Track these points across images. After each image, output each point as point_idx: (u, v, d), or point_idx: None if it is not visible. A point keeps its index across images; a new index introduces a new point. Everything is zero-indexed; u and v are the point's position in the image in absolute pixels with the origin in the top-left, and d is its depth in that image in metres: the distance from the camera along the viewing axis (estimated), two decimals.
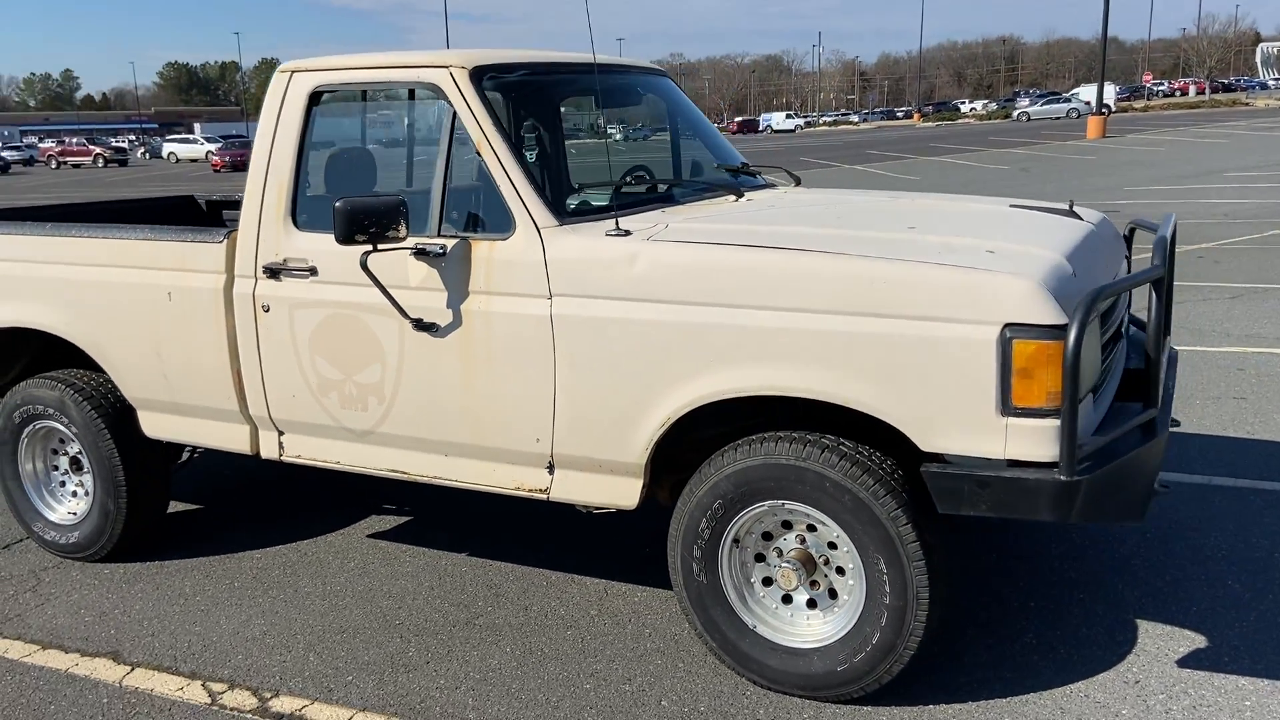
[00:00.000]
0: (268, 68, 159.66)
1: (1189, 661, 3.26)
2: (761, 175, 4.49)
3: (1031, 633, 3.49)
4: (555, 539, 4.37)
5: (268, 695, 3.26)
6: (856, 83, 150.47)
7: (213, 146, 52.55)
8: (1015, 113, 65.55)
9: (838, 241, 3.03)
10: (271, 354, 3.69)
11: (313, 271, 3.56)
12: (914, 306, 2.78)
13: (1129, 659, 3.30)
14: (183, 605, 3.92)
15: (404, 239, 3.24)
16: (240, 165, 45.95)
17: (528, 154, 3.61)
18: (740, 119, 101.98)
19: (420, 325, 3.39)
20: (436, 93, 3.44)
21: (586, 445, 3.25)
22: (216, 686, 3.32)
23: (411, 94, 3.61)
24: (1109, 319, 3.21)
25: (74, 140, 61.84)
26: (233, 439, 3.94)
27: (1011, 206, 3.61)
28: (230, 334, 3.76)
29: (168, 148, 60.85)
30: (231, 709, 3.19)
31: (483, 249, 3.31)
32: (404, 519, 4.69)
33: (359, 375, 3.55)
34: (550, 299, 3.21)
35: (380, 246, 3.24)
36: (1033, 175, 22.97)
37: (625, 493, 3.28)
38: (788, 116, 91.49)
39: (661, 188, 3.96)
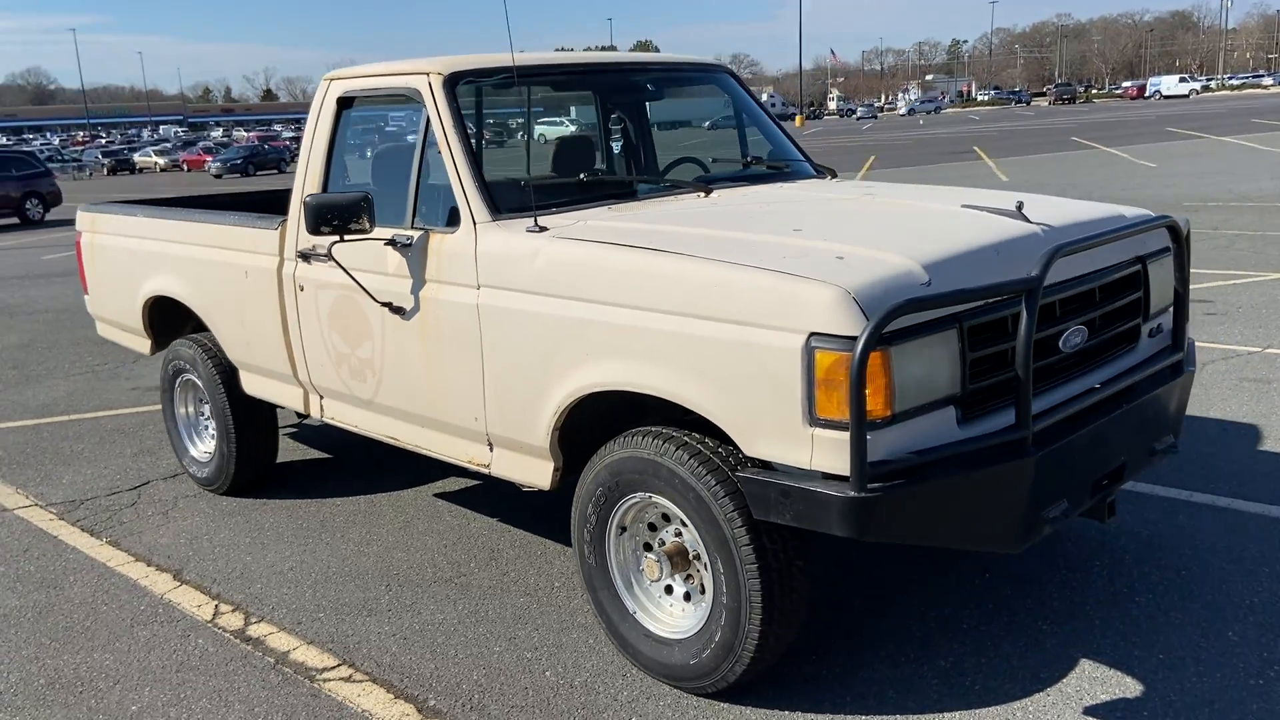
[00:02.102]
0: (642, 50, 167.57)
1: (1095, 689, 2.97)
2: (794, 167, 4.47)
3: (944, 658, 3.30)
4: None
5: (253, 621, 3.82)
6: None
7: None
8: None
9: (702, 244, 3.04)
10: (307, 327, 4.24)
11: (329, 256, 4.05)
12: (737, 311, 2.77)
13: (1033, 697, 3.05)
14: (251, 539, 4.60)
15: (369, 230, 3.63)
16: None
17: (504, 150, 3.88)
18: (1131, 84, 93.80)
19: (392, 309, 3.77)
20: (417, 97, 3.79)
21: (507, 427, 3.49)
22: (223, 607, 3.94)
23: (408, 98, 3.98)
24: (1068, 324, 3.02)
25: None
26: (294, 399, 4.56)
27: (963, 207, 3.37)
28: (282, 308, 4.35)
29: (538, 129, 65.79)
30: (219, 628, 3.78)
31: (435, 241, 3.63)
32: (474, 483, 5.13)
33: (358, 350, 4.01)
34: (478, 289, 3.48)
35: (346, 237, 3.65)
36: None
37: (540, 474, 3.49)
38: (1181, 80, 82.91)
39: (675, 179, 4.07)
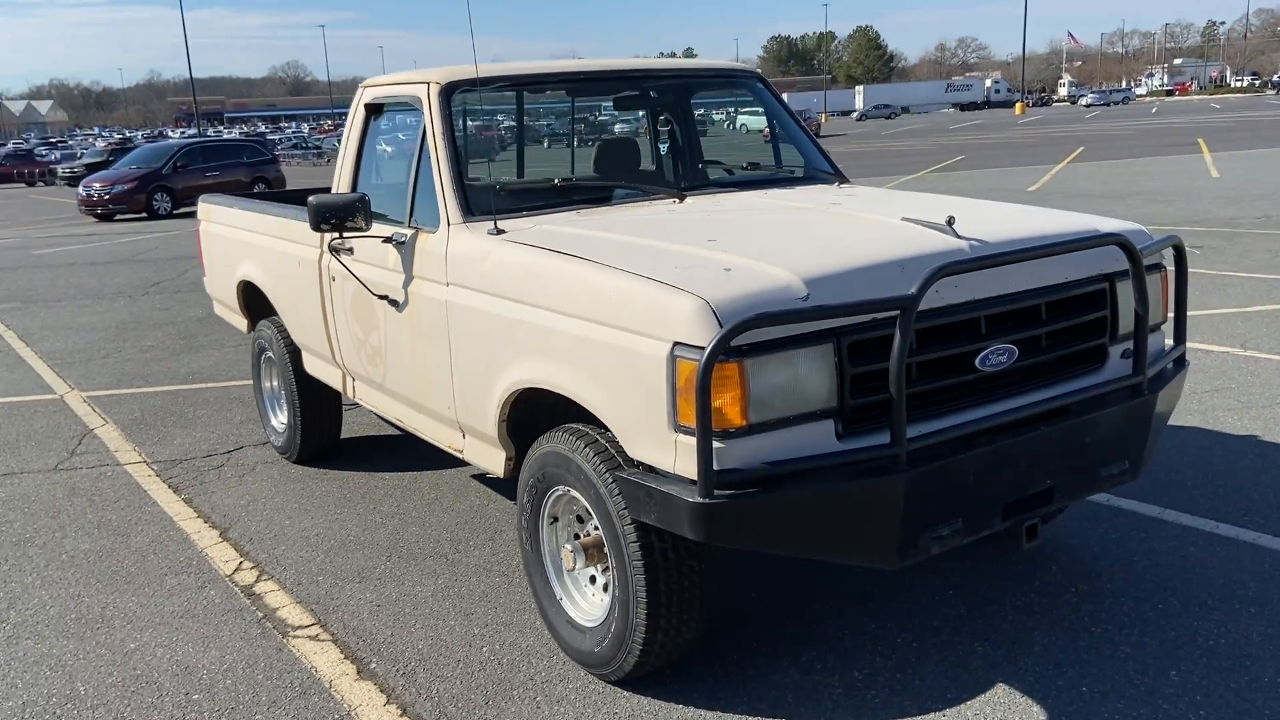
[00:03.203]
0: (862, 36, 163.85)
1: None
2: (808, 172, 4.49)
3: (862, 670, 3.30)
4: None
5: (262, 579, 4.23)
6: None
7: (761, 121, 55.77)
8: None
9: (621, 252, 3.16)
10: (338, 314, 4.62)
11: (350, 251, 4.40)
12: (624, 318, 2.89)
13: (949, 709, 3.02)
14: (297, 505, 5.05)
15: (364, 229, 3.94)
16: None
17: (500, 155, 4.10)
18: None
19: (389, 301, 4.08)
20: (418, 105, 4.07)
21: (469, 416, 3.73)
22: (245, 565, 4.38)
23: (413, 105, 4.25)
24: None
25: None
26: (336, 380, 4.97)
27: (903, 220, 3.31)
28: (322, 296, 4.75)
29: (740, 119, 65.85)
30: (233, 582, 4.21)
31: (421, 240, 3.90)
32: None
33: (370, 338, 4.35)
34: (448, 286, 3.72)
35: (345, 235, 3.98)
36: None
37: (495, 462, 3.71)
38: None
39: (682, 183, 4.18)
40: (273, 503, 5.09)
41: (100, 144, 53.49)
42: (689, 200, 3.99)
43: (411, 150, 4.13)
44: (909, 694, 3.16)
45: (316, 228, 3.92)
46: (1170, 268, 3.54)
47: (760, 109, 4.98)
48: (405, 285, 3.98)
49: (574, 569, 3.35)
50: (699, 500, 2.65)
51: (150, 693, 3.38)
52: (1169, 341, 3.65)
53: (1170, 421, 5.42)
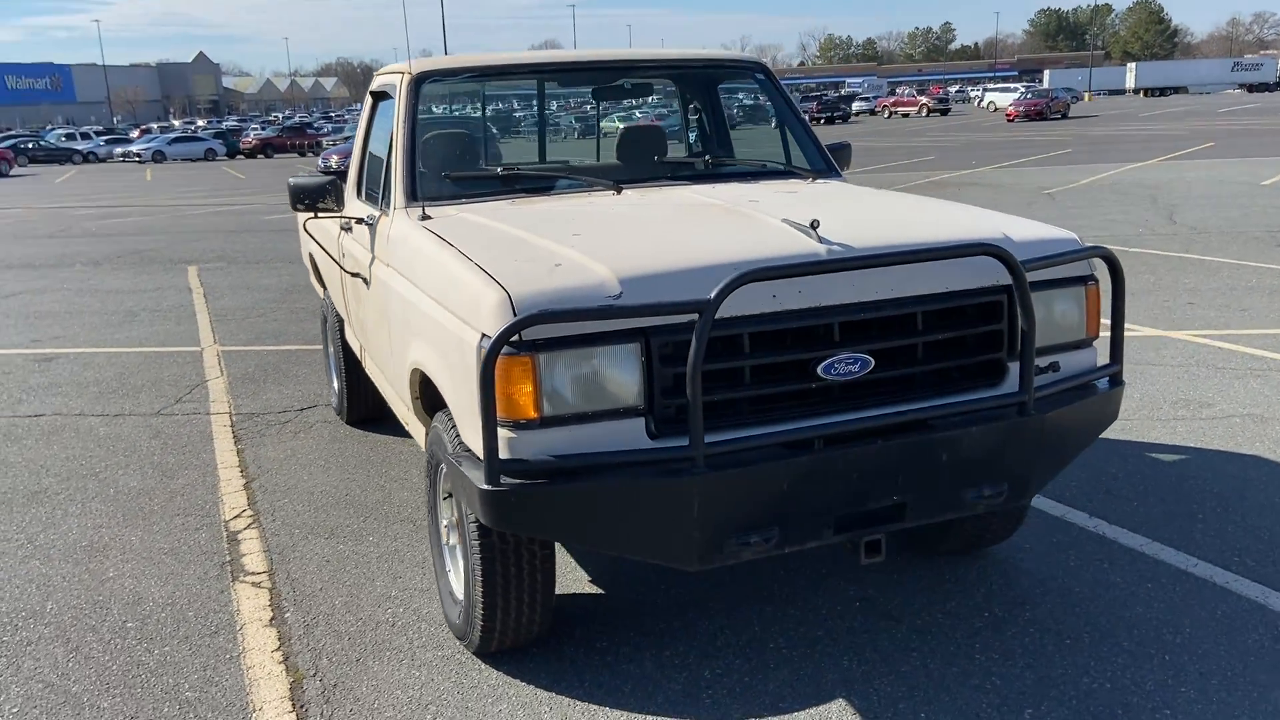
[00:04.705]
0: (1142, 9, 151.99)
1: None
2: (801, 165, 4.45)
3: (714, 669, 3.27)
4: None
5: (250, 526, 4.63)
6: None
7: (1009, 98, 53.06)
8: None
9: (493, 241, 3.25)
10: (345, 288, 4.95)
11: (349, 229, 4.71)
12: (458, 307, 3.00)
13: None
14: (325, 463, 5.45)
15: (336, 211, 4.23)
16: (1035, 115, 45.89)
17: (475, 143, 4.26)
18: None
19: (361, 278, 4.35)
20: (394, 93, 4.30)
21: (401, 390, 3.94)
22: (246, 512, 4.79)
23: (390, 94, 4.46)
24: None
25: (905, 91, 67.21)
26: (357, 349, 5.32)
27: (783, 221, 3.19)
28: (340, 271, 5.10)
29: (988, 97, 62.89)
30: (226, 527, 4.63)
31: (380, 222, 4.13)
32: None
33: (358, 311, 4.64)
34: (386, 267, 3.94)
35: (319, 215, 4.27)
36: None
37: (420, 437, 3.90)
38: None
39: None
40: (305, 459, 5.52)
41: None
42: (626, 193, 4.01)
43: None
44: (742, 700, 3.12)
45: (294, 207, 4.23)
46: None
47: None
48: (370, 264, 4.23)
49: (450, 544, 3.50)
50: (484, 488, 2.74)
51: (96, 616, 3.81)
52: (1105, 360, 3.36)
53: (1193, 446, 4.95)
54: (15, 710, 3.23)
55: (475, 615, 3.21)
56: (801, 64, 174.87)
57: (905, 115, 61.18)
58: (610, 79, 4.77)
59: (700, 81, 5.07)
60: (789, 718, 3.02)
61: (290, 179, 4.25)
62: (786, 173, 4.42)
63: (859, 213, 3.51)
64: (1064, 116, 46.24)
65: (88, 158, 51.05)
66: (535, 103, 5.29)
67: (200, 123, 73.65)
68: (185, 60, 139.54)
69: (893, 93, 74.69)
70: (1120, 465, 4.87)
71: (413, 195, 3.97)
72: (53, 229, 18.65)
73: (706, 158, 4.48)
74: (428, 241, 3.44)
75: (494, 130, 6.01)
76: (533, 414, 2.73)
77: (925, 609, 3.60)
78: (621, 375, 2.78)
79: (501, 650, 3.37)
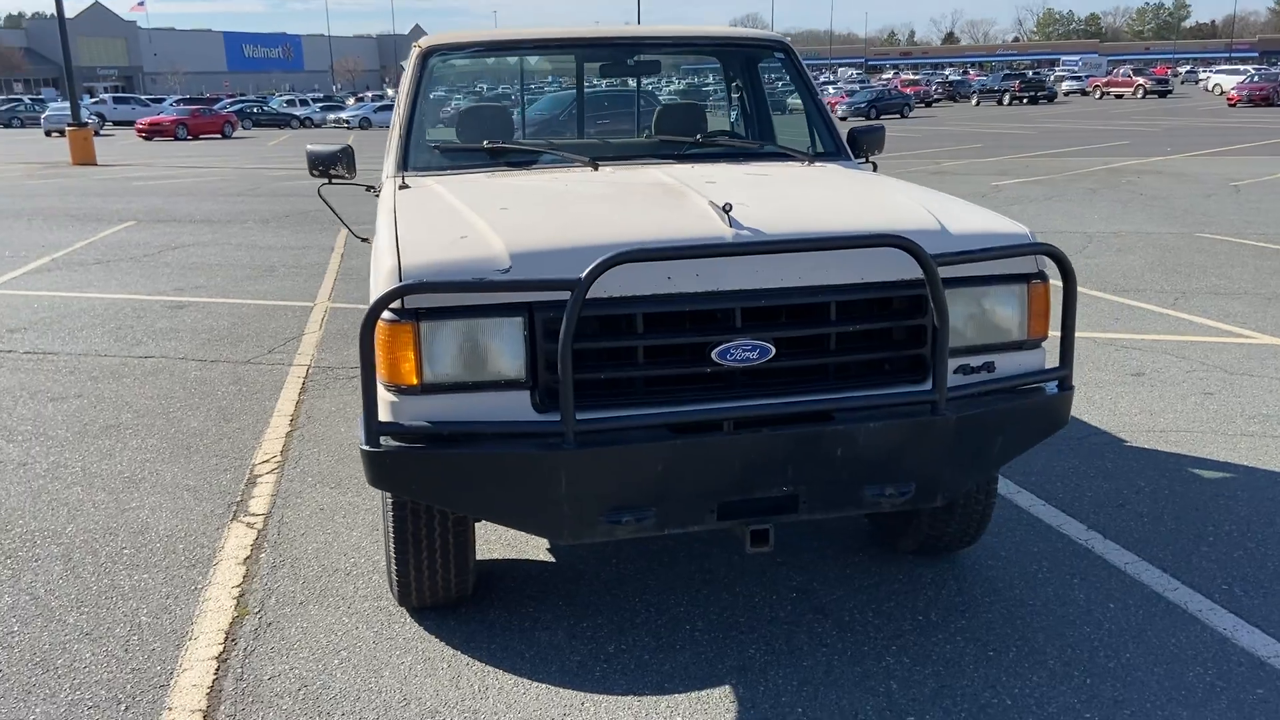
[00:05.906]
0: None
1: None
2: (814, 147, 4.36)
3: (619, 644, 3.29)
4: None
5: (271, 472, 4.93)
6: None
7: (1235, 80, 48.71)
8: None
9: (434, 211, 3.37)
10: None
11: (377, 195, 4.90)
12: (376, 273, 3.11)
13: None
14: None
15: (349, 177, 4.42)
16: (1260, 100, 42.18)
17: (472, 114, 4.37)
18: None
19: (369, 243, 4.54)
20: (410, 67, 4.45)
21: None
22: (275, 459, 5.10)
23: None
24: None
25: (1120, 71, 62.99)
26: None
27: (709, 204, 3.12)
28: None
29: (1213, 79, 58.18)
30: (252, 470, 4.95)
31: (382, 187, 4.31)
32: None
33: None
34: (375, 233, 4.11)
35: (333, 180, 4.48)
36: None
37: None
38: None
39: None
40: (350, 412, 5.81)
41: None
42: (602, 170, 4.01)
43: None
44: (631, 676, 3.13)
45: (310, 172, 4.46)
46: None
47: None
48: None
49: None
50: (364, 448, 2.85)
51: (101, 541, 4.17)
52: (1053, 362, 3.16)
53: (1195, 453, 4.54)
54: None
55: (391, 570, 3.34)
56: (1015, 39, 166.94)
57: (1118, 96, 57.33)
58: (625, 55, 4.77)
59: (727, 59, 4.99)
60: (668, 698, 3.02)
61: (308, 145, 4.48)
62: (783, 154, 4.31)
63: (796, 199, 3.41)
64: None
65: (304, 123, 54.44)
66: (574, 79, 5.35)
67: None
68: (402, 33, 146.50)
69: (1109, 72, 70.08)
70: (1153, 478, 4.53)
71: (403, 165, 4.12)
72: (242, 189, 20.05)
73: (698, 136, 4.41)
74: (385, 210, 3.58)
75: (525, 104, 6.08)
76: (414, 380, 2.82)
77: (860, 606, 3.50)
78: (504, 348, 2.82)
79: (424, 606, 3.50)
